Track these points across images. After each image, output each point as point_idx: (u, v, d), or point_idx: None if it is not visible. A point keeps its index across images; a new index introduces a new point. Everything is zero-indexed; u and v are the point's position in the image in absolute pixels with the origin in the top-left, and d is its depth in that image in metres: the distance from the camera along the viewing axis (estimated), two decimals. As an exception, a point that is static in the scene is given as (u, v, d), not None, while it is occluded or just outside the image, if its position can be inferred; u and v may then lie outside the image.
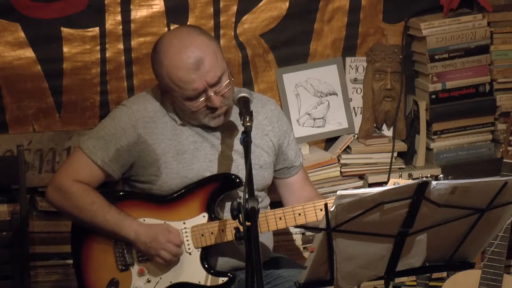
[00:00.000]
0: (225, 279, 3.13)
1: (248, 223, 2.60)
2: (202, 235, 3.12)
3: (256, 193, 3.23)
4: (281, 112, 3.37)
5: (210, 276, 3.12)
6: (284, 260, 3.37)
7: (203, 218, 3.14)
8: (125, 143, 3.15)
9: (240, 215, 2.63)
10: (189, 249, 3.13)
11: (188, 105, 3.09)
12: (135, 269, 3.16)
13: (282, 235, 3.83)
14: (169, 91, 3.11)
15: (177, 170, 3.16)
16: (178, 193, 3.16)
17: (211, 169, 3.18)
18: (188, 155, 3.17)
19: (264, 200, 3.32)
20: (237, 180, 3.13)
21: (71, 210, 3.16)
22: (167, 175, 3.16)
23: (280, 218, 3.10)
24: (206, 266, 3.13)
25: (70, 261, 3.77)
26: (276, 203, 3.43)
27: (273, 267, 3.29)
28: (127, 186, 3.27)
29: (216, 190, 3.14)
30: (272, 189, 3.38)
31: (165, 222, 3.14)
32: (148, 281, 3.15)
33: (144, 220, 3.14)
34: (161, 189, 3.17)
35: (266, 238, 3.26)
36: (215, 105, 3.08)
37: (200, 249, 3.13)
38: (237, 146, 3.18)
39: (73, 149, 3.80)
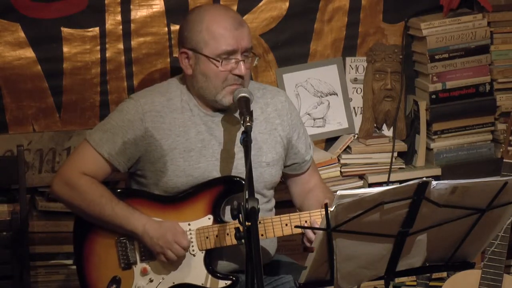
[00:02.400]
0: (228, 282, 3.12)
1: (248, 223, 2.60)
2: (207, 237, 3.10)
3: (264, 191, 3.24)
4: (292, 104, 3.35)
5: (213, 278, 3.11)
6: (284, 261, 3.36)
7: (208, 220, 3.12)
8: (132, 136, 3.14)
9: (240, 215, 2.63)
10: (193, 250, 3.12)
11: (216, 65, 3.09)
12: (137, 268, 3.15)
13: (282, 235, 3.83)
14: (200, 48, 3.11)
15: (183, 167, 3.14)
16: (184, 193, 3.15)
17: (218, 168, 3.16)
18: (195, 153, 3.16)
19: (271, 200, 3.30)
20: (243, 182, 3.10)
21: (79, 203, 3.14)
22: (173, 172, 3.14)
23: (286, 225, 3.09)
24: (210, 268, 3.12)
25: (70, 261, 3.78)
26: (281, 203, 3.42)
27: (274, 268, 3.28)
28: (133, 181, 3.25)
29: (222, 192, 3.12)
30: (276, 189, 3.37)
31: None
32: (151, 281, 3.14)
33: None
34: (166, 186, 3.15)
35: (269, 242, 3.24)
36: (241, 72, 3.10)
37: (204, 251, 3.12)
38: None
39: (75, 144, 3.81)
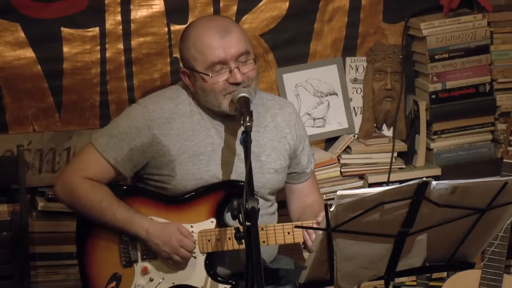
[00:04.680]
0: (228, 286, 3.12)
1: (248, 223, 2.60)
2: (209, 240, 3.10)
3: (268, 196, 3.23)
4: (299, 116, 3.35)
5: (212, 282, 3.11)
6: (283, 268, 3.34)
7: (211, 223, 3.12)
8: (139, 143, 3.13)
9: (240, 215, 2.62)
10: (194, 253, 3.11)
11: (209, 80, 3.06)
12: (138, 266, 3.15)
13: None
14: (192, 65, 3.09)
15: (192, 171, 3.13)
16: (188, 195, 3.14)
17: (227, 172, 3.14)
18: (204, 156, 3.14)
19: (273, 204, 3.30)
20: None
21: (79, 208, 3.15)
22: (181, 176, 3.13)
23: (289, 233, 3.09)
24: (210, 271, 3.12)
25: (70, 261, 3.77)
26: (282, 203, 3.42)
27: (273, 273, 3.27)
28: (140, 183, 3.24)
29: (225, 196, 3.11)
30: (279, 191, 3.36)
31: None
32: (151, 280, 3.14)
33: (151, 218, 3.13)
34: (175, 189, 3.14)
35: (268, 248, 3.23)
36: (237, 80, 3.05)
37: (205, 254, 3.12)
38: (253, 148, 3.12)
39: (73, 152, 3.80)
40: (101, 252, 3.17)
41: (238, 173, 3.15)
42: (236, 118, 3.13)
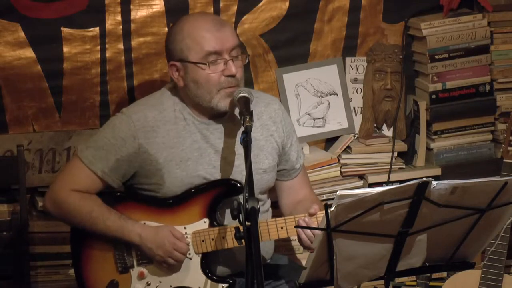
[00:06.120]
0: (225, 285, 3.11)
1: (248, 223, 2.60)
2: (203, 240, 3.10)
3: (259, 196, 3.23)
4: (285, 112, 3.34)
5: (210, 281, 3.11)
6: (281, 264, 3.34)
7: (204, 223, 3.12)
8: (126, 153, 3.12)
9: (240, 215, 2.62)
10: (189, 254, 3.11)
11: (207, 69, 3.06)
12: (135, 271, 3.15)
13: (282, 235, 3.83)
14: (185, 56, 3.09)
15: (181, 178, 3.13)
16: (179, 197, 3.14)
17: (216, 175, 3.14)
18: (191, 162, 3.14)
19: (266, 202, 3.30)
20: (238, 185, 3.09)
21: (70, 220, 3.16)
22: (171, 183, 3.13)
23: (282, 228, 3.08)
24: (206, 271, 3.12)
25: (70, 261, 3.77)
26: (275, 202, 3.42)
27: (273, 269, 3.28)
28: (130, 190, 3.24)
29: (217, 196, 3.12)
30: (270, 189, 3.36)
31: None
32: (148, 284, 3.14)
33: (144, 223, 3.13)
34: (165, 196, 3.14)
35: (267, 243, 3.23)
36: (232, 72, 3.06)
37: (200, 255, 3.12)
38: (240, 150, 3.13)
39: (73, 152, 3.80)
40: (96, 260, 3.17)
41: (226, 175, 3.15)
42: (224, 119, 3.15)
